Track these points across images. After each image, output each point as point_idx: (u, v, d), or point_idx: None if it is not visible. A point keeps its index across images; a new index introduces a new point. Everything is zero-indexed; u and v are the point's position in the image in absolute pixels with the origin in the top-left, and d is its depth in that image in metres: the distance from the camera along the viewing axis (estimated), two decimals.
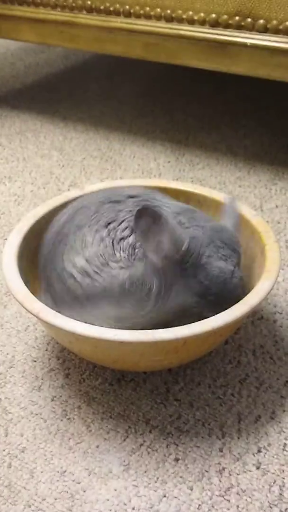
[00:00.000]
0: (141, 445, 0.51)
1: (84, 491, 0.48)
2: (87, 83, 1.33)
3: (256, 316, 0.65)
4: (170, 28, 0.87)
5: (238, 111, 1.16)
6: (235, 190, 0.91)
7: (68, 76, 1.39)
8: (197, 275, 0.50)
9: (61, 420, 0.54)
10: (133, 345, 0.46)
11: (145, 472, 0.49)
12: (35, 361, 0.60)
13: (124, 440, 0.52)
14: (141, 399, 0.55)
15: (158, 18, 0.88)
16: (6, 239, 0.79)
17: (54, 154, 1.02)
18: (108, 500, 0.47)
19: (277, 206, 0.86)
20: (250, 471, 0.49)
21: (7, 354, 0.61)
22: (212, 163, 0.98)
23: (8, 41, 1.49)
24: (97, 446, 0.51)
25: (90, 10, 0.93)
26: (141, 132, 1.08)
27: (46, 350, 0.61)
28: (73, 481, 0.49)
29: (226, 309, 0.49)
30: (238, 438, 0.52)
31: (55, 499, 0.47)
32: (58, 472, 0.49)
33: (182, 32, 0.86)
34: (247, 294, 0.51)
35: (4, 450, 0.51)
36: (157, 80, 1.32)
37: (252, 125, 1.11)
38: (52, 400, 0.56)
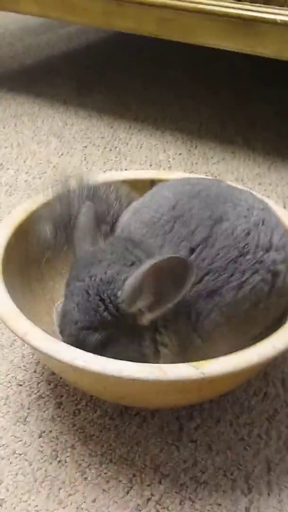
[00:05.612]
0: (149, 499, 0.43)
1: None
2: (91, 66, 1.26)
3: None
4: (188, 1, 0.80)
5: (253, 99, 1.09)
6: (254, 187, 0.83)
7: (70, 58, 1.32)
8: None
9: (50, 463, 0.46)
10: (148, 384, 0.36)
11: None
12: (20, 385, 0.52)
13: (128, 492, 0.44)
14: (148, 438, 0.47)
15: None
16: None
17: (52, 140, 0.95)
18: None
19: None
20: None
21: None
22: (228, 157, 0.91)
23: (7, 20, 1.44)
24: (94, 500, 0.43)
25: None
26: (148, 120, 1.01)
27: (35, 371, 0.53)
28: None
29: None
30: (269, 494, 0.44)
31: None
32: None
33: (201, 6, 0.80)
34: None
35: None
36: (166, 64, 1.25)
37: (270, 116, 1.02)
38: (40, 436, 0.48)
